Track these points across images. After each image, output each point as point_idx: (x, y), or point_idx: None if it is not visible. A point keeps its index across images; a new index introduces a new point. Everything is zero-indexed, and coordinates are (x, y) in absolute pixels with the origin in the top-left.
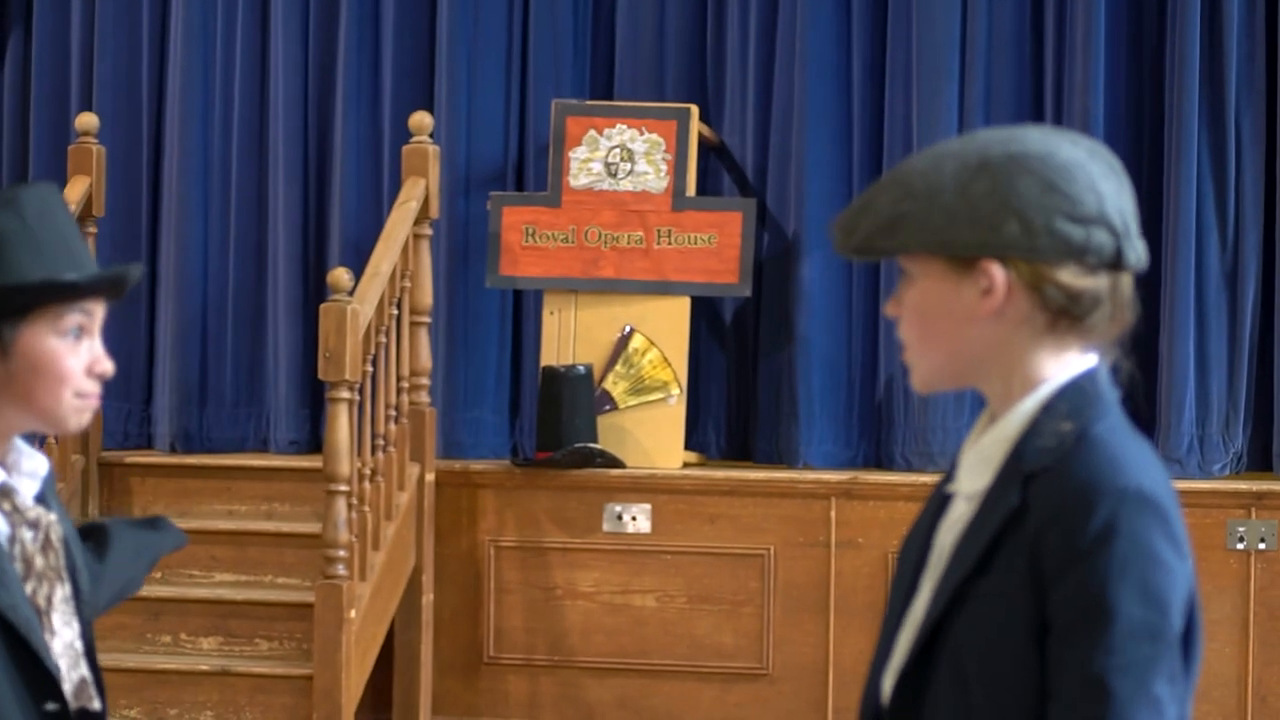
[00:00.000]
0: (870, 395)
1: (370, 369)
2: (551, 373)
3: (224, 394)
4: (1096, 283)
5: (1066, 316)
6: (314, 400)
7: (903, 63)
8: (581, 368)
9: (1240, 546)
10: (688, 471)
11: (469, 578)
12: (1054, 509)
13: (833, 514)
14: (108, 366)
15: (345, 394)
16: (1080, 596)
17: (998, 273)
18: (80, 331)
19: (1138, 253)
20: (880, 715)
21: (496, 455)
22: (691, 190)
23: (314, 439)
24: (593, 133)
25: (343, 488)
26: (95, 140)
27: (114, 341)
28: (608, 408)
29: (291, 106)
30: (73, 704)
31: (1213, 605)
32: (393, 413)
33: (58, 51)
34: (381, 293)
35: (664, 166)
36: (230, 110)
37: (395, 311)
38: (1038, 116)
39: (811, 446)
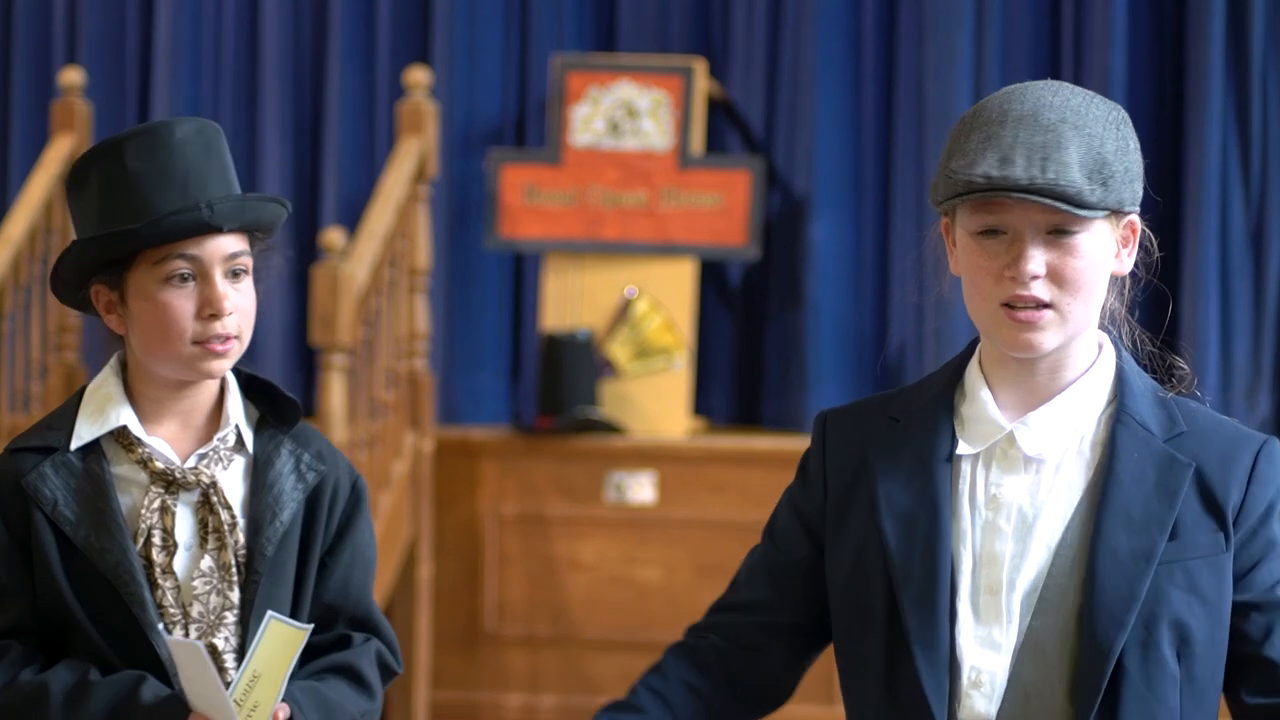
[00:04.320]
0: (881, 360)
1: (366, 333)
2: (553, 338)
3: None
4: None
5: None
6: (307, 365)
7: (915, 17)
8: (583, 332)
9: None
10: (693, 439)
11: (468, 549)
12: (1237, 463)
13: None
14: (221, 305)
15: (339, 359)
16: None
17: (1140, 228)
18: (190, 274)
19: None
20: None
21: (496, 421)
22: (698, 149)
23: (307, 405)
24: (595, 89)
25: None
26: (81, 96)
27: None
28: (611, 373)
29: (283, 61)
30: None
31: None
32: (389, 378)
33: (40, 2)
34: (377, 254)
35: (669, 124)
36: (220, 65)
37: (391, 274)
38: (1055, 71)
39: None
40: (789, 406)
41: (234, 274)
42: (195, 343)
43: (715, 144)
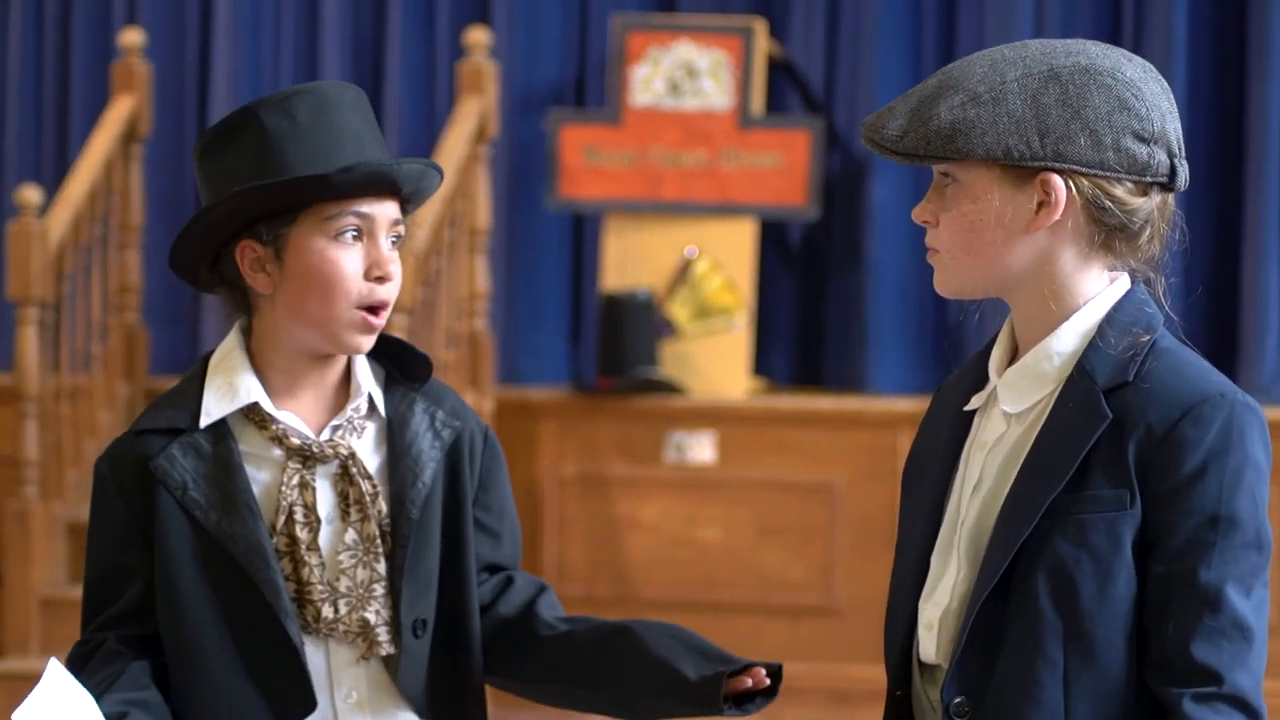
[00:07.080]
0: (942, 319)
1: (425, 293)
2: (613, 298)
3: None
4: (1149, 201)
5: (1119, 234)
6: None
7: None
8: (643, 293)
9: None
10: (754, 399)
11: (528, 509)
12: (1160, 420)
13: (903, 443)
14: (389, 269)
15: (399, 320)
16: (1200, 508)
17: (1059, 186)
18: (359, 233)
19: (1186, 173)
20: (910, 643)
21: (556, 382)
22: (758, 109)
23: None
24: (655, 49)
25: None
26: (141, 58)
27: (161, 266)
28: (671, 333)
29: (343, 21)
30: (362, 648)
31: None
32: (449, 339)
33: None
34: (436, 214)
35: (729, 84)
36: (280, 25)
37: (451, 234)
38: (1116, 29)
39: (882, 372)
40: (849, 366)
41: (393, 241)
42: (358, 306)
43: (775, 104)
